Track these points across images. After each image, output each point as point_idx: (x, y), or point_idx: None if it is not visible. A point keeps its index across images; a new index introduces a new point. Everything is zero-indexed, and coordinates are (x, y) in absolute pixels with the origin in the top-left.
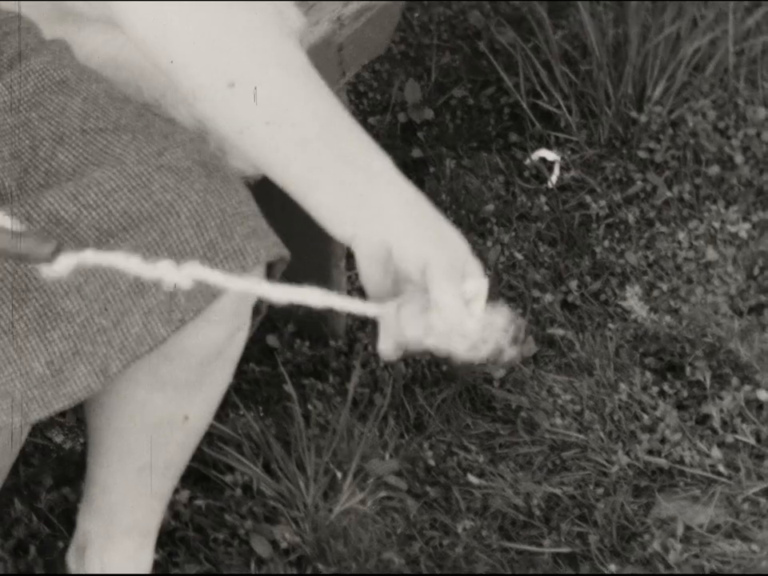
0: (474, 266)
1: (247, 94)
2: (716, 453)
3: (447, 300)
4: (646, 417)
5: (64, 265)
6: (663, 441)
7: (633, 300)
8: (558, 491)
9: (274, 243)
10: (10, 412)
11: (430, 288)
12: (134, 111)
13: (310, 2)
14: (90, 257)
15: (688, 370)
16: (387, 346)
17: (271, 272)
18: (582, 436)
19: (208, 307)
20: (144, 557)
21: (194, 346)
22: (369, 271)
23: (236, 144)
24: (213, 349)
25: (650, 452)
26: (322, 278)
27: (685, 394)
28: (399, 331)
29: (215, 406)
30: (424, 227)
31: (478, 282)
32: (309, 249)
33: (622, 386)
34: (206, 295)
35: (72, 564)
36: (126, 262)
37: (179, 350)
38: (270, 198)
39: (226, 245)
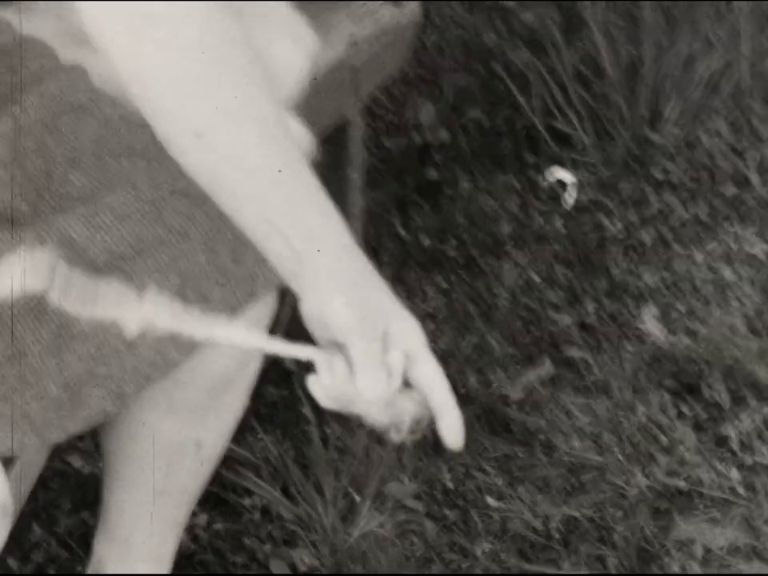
0: (406, 331)
1: (213, 146)
2: (735, 474)
3: (363, 374)
4: (664, 438)
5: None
6: (682, 462)
7: (651, 323)
8: (576, 514)
9: None
10: (29, 434)
11: (350, 357)
12: (149, 136)
13: (325, 24)
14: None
15: (706, 391)
16: (319, 393)
17: (283, 299)
18: (600, 458)
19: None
20: None
21: (204, 373)
22: (311, 327)
23: (203, 187)
24: (223, 377)
25: (669, 474)
26: None
27: (703, 415)
28: (331, 381)
29: (229, 434)
30: (351, 296)
31: (397, 355)
32: None
33: (640, 407)
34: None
35: None
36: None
37: (190, 376)
38: None
39: (237, 270)
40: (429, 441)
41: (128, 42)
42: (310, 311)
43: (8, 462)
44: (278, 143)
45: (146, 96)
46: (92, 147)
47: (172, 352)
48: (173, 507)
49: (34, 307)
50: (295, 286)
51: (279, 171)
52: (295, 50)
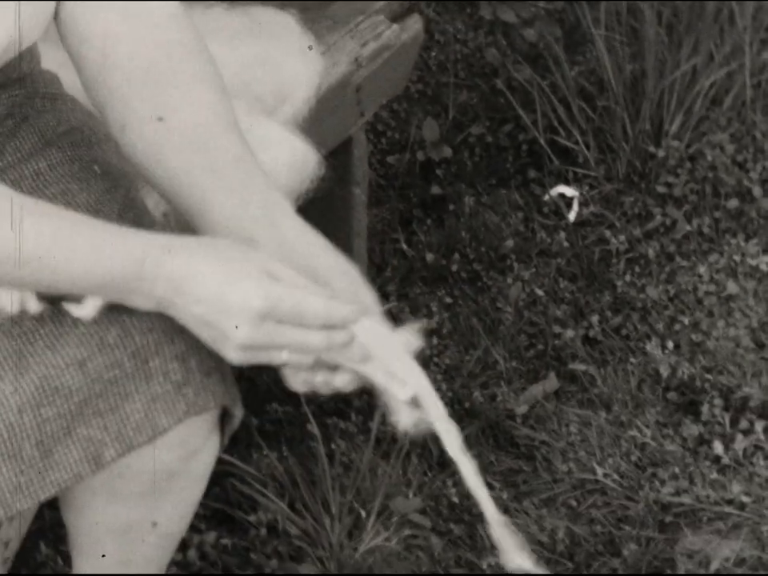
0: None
1: (171, 128)
2: (737, 487)
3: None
4: (666, 453)
5: (90, 306)
6: (685, 477)
7: (656, 350)
8: (582, 527)
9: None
10: None
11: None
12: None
13: (328, 43)
14: None
15: (707, 405)
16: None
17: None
18: (603, 469)
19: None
20: None
21: (142, 466)
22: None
23: (146, 168)
24: (165, 470)
25: (673, 488)
26: None
27: (705, 429)
28: None
29: (189, 512)
30: (317, 248)
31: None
32: None
33: (643, 422)
34: (216, 394)
35: None
36: None
37: (127, 469)
38: None
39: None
40: (434, 455)
41: (108, 40)
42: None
43: None
44: (236, 130)
45: (116, 86)
46: (117, 208)
47: (162, 418)
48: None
49: (16, 356)
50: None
51: (239, 154)
52: (305, 68)
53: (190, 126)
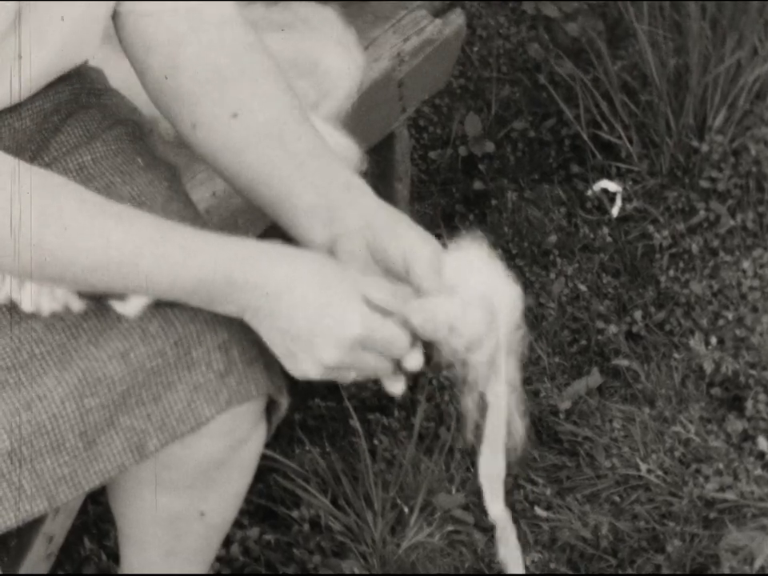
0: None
1: (247, 123)
2: None
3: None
4: (710, 449)
5: (135, 303)
6: (729, 473)
7: (700, 346)
8: (626, 523)
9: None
10: (38, 499)
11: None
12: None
13: (370, 39)
14: None
15: (751, 401)
16: None
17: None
18: (646, 465)
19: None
20: None
21: (189, 456)
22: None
23: (220, 164)
24: (212, 460)
25: (717, 484)
26: None
27: (749, 424)
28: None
29: (235, 503)
30: (402, 221)
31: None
32: None
33: (686, 418)
34: (259, 383)
35: None
36: None
37: (175, 459)
38: None
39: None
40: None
41: (174, 46)
42: (355, 250)
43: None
44: (306, 119)
45: (184, 88)
46: (161, 200)
47: (204, 407)
48: (186, 566)
49: (60, 350)
50: (326, 233)
51: (314, 143)
52: (346, 64)
53: (264, 121)
